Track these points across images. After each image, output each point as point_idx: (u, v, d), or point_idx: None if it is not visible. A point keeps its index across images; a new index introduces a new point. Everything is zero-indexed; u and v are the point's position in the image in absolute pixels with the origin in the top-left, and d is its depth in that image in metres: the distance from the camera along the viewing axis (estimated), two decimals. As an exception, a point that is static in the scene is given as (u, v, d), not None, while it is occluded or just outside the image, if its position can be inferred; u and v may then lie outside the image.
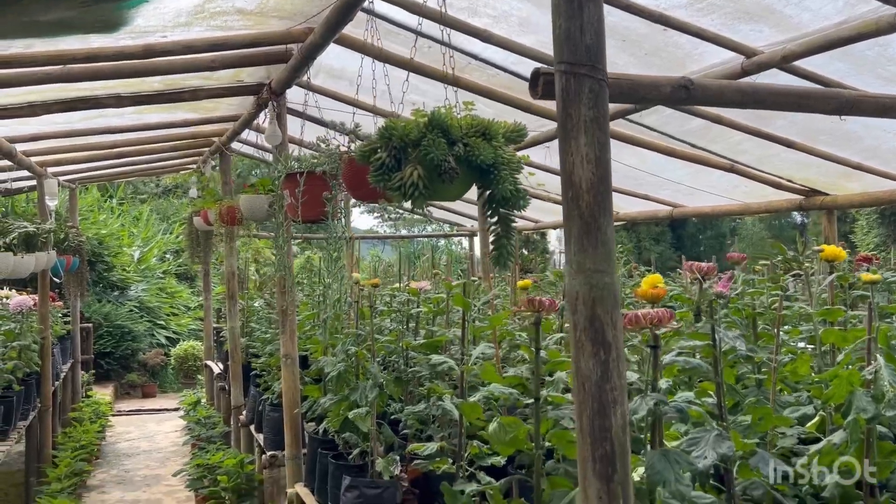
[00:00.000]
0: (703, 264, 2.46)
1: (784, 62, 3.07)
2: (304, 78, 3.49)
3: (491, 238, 1.87)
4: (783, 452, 2.27)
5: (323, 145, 2.73)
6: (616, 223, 7.84)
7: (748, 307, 2.72)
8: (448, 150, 1.70)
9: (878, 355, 1.83)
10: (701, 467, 1.58)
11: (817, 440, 2.24)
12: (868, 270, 4.22)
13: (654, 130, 4.62)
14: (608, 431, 1.38)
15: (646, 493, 1.55)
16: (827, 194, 5.17)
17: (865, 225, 14.23)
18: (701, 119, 4.24)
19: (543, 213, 8.46)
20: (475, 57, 4.04)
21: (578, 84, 1.40)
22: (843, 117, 2.84)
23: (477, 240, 10.38)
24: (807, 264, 4.64)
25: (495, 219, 1.85)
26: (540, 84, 1.49)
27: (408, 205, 2.25)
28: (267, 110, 3.93)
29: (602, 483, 1.37)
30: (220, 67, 3.56)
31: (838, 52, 3.18)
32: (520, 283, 3.50)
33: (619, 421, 1.38)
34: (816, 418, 2.37)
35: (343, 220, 3.25)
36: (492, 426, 2.00)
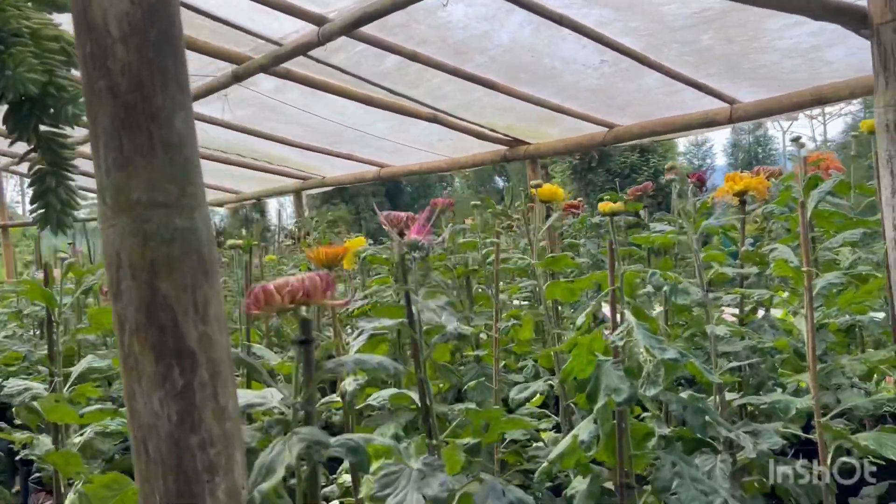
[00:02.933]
0: (403, 213, 1.87)
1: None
2: None
3: (30, 181, 1.06)
4: (515, 450, 1.77)
5: None
6: (324, 188, 7.19)
7: (460, 265, 2.19)
8: None
9: (626, 312, 1.34)
10: (400, 529, 0.95)
11: (556, 427, 1.77)
12: (576, 218, 3.96)
13: (346, 73, 3.99)
14: (200, 534, 0.67)
15: None
16: (529, 143, 4.96)
17: (561, 182, 15.21)
18: (396, 56, 3.69)
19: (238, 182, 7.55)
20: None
21: None
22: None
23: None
24: (516, 216, 4.33)
25: (33, 143, 1.05)
26: None
27: None
28: None
29: None
30: None
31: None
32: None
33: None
34: (538, 395, 1.91)
35: None
36: (70, 497, 1.21)
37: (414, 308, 1.14)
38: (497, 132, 4.88)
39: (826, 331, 2.11)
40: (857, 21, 1.72)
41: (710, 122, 3.89)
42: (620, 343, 1.29)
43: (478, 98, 4.24)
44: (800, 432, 1.79)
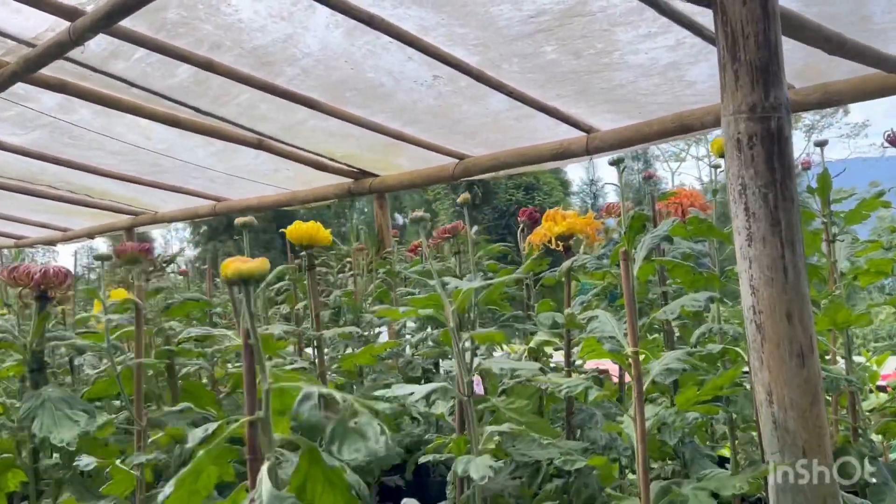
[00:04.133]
0: (37, 267, 1.21)
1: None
2: None
3: None
4: None
5: None
6: (154, 225, 6.34)
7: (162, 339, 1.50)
8: None
9: (263, 468, 0.70)
10: None
11: None
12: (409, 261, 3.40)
13: (133, 85, 3.27)
14: None
15: None
16: (376, 175, 4.36)
17: (448, 219, 14.74)
18: (189, 65, 3.01)
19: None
20: None
21: None
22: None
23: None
24: (349, 259, 3.76)
25: None
26: None
27: None
28: None
29: None
30: None
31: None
32: None
33: None
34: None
35: None
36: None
37: None
38: (337, 161, 4.26)
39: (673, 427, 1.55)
40: (693, -11, 1.19)
41: (564, 154, 3.38)
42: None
43: (303, 120, 3.61)
44: None
